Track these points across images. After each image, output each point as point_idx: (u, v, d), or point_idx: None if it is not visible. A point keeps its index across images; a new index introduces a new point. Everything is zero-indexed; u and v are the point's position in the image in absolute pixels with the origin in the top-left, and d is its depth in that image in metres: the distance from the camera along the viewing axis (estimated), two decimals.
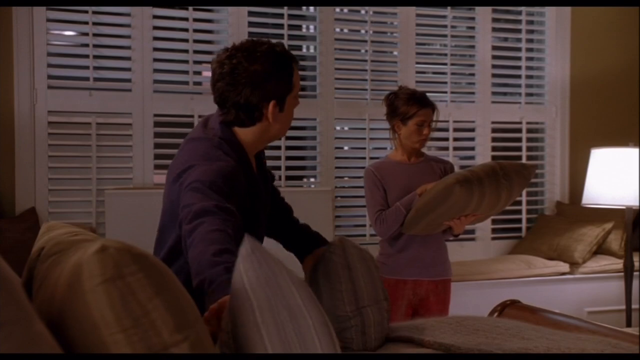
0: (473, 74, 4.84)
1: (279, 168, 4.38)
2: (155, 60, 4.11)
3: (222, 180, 2.00)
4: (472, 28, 4.86)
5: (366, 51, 4.56)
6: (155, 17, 4.11)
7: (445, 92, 4.75)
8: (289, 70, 2.15)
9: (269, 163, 4.45)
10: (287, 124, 2.25)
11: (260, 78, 2.10)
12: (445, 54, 4.76)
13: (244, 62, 2.10)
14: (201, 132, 2.20)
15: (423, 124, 3.30)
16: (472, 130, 4.82)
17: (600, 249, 4.54)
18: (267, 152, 4.42)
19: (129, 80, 4.09)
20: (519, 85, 4.97)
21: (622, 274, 4.17)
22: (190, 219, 1.91)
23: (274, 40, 2.19)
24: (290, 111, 2.22)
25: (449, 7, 4.71)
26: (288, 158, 4.40)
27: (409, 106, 3.29)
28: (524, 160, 4.90)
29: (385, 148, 4.73)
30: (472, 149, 4.82)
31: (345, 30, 4.60)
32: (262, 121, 2.16)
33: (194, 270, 1.81)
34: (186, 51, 4.18)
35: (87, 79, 4.00)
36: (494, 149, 4.84)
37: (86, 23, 3.98)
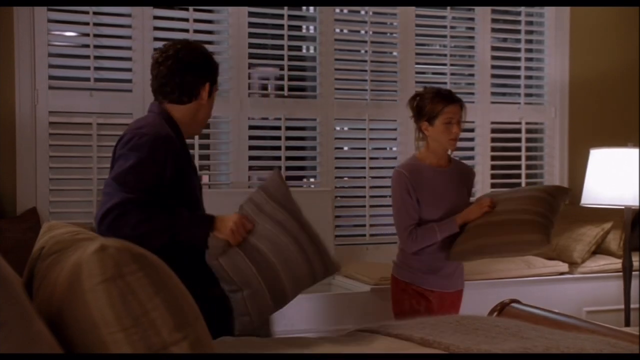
0: (472, 75, 4.84)
1: (279, 168, 4.38)
2: None
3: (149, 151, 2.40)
4: (472, 28, 4.86)
5: (366, 52, 4.56)
6: (155, 17, 4.12)
7: None
8: (216, 65, 2.64)
9: (270, 163, 4.48)
10: (209, 115, 2.65)
11: (199, 62, 2.57)
12: (445, 55, 4.77)
13: (185, 50, 2.56)
14: (155, 108, 2.61)
15: (451, 121, 3.20)
16: (472, 130, 4.82)
17: (599, 249, 4.54)
18: (267, 152, 4.45)
19: (129, 81, 4.10)
20: (518, 86, 4.98)
21: (621, 273, 4.17)
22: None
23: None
24: (213, 101, 2.63)
25: (448, 8, 4.71)
26: (288, 158, 4.41)
27: (434, 104, 3.21)
28: (523, 161, 4.91)
29: (385, 148, 4.74)
30: (472, 149, 4.83)
31: (345, 31, 4.61)
32: (197, 100, 2.56)
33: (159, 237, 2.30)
34: None
35: (87, 79, 4.01)
36: (493, 149, 4.85)
37: (87, 24, 3.99)
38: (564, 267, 4.42)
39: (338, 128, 4.59)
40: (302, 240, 2.46)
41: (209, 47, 4.29)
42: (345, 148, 4.63)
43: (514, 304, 2.80)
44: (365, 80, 4.55)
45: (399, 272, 3.33)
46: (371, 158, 4.57)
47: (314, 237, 2.50)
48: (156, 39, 4.12)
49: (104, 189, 2.40)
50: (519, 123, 4.92)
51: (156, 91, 2.59)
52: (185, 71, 2.54)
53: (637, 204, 4.04)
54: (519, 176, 4.92)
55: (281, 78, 4.41)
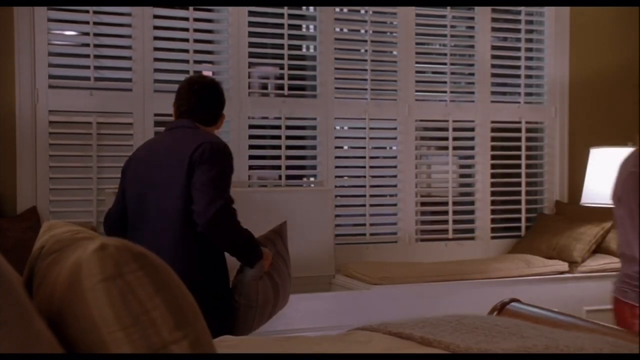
0: (472, 74, 4.84)
1: (279, 167, 4.39)
2: (156, 59, 4.12)
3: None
4: (472, 28, 4.86)
5: (366, 51, 4.56)
6: (155, 16, 4.12)
7: (445, 92, 4.75)
8: None
9: (269, 162, 4.49)
10: None
11: (224, 98, 3.22)
12: (445, 54, 4.76)
13: (218, 87, 3.21)
14: (188, 124, 3.11)
15: None
16: (472, 129, 4.82)
17: (599, 248, 4.54)
18: (268, 151, 4.46)
19: (129, 80, 4.10)
20: (518, 85, 4.97)
21: None
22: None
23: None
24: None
25: (448, 7, 4.71)
26: (288, 157, 4.41)
27: None
28: (523, 160, 4.91)
29: (385, 148, 4.73)
30: (472, 148, 4.83)
31: (345, 30, 4.61)
32: (216, 124, 3.19)
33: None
34: (186, 51, 4.19)
35: (88, 78, 4.01)
36: (493, 148, 4.85)
37: (87, 23, 3.99)
38: (564, 266, 4.42)
39: (338, 127, 4.59)
40: (288, 272, 3.24)
41: (209, 47, 4.37)
42: (345, 147, 4.63)
43: (513, 303, 2.81)
44: (365, 80, 4.55)
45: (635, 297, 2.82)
46: (371, 157, 4.57)
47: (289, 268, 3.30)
48: (156, 38, 4.12)
49: (197, 187, 2.87)
50: (519, 122, 4.92)
51: (189, 111, 3.12)
52: (217, 102, 3.17)
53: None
54: (519, 175, 4.92)
55: (281, 77, 4.41)
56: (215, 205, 2.82)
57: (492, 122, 4.86)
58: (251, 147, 4.32)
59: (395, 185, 4.66)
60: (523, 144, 4.92)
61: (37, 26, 3.88)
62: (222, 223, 2.86)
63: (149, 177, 3.01)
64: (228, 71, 4.28)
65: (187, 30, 4.19)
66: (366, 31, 4.56)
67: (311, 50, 4.55)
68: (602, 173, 4.17)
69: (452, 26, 4.81)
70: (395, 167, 4.66)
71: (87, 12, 3.97)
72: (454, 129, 4.75)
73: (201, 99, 3.13)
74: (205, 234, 2.88)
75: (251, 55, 4.32)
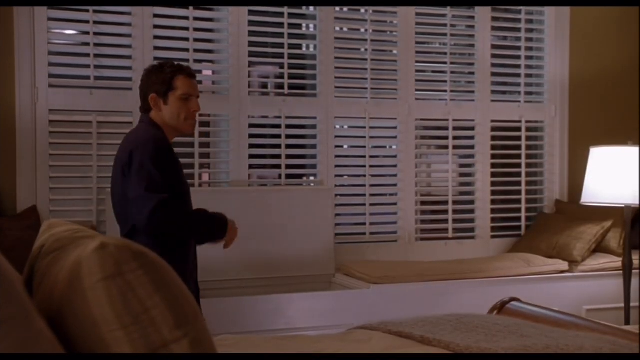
0: (473, 73, 4.84)
1: (279, 167, 4.39)
2: (156, 59, 4.11)
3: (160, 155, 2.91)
4: (472, 27, 4.86)
5: (366, 50, 4.56)
6: (155, 16, 4.12)
7: (445, 91, 4.75)
8: (168, 76, 3.01)
9: (270, 161, 4.49)
10: (175, 116, 3.02)
11: (146, 79, 3.06)
12: (445, 53, 4.76)
13: (146, 72, 3.09)
14: (142, 119, 3.09)
15: None
16: (472, 129, 4.82)
17: (599, 247, 4.54)
18: (268, 150, 4.45)
19: (129, 79, 4.10)
20: (518, 84, 4.97)
21: (620, 272, 4.18)
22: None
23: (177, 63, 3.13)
24: (175, 106, 3.01)
25: (448, 7, 4.71)
26: (288, 157, 4.41)
27: None
28: (523, 159, 4.91)
29: (385, 147, 4.73)
30: (472, 147, 4.83)
31: (345, 29, 4.61)
32: (152, 108, 3.02)
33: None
34: (186, 50, 4.19)
35: (88, 77, 4.01)
36: (493, 147, 4.85)
37: (87, 22, 3.99)
38: (564, 265, 4.42)
39: (338, 126, 4.59)
40: None
41: (209, 46, 4.36)
42: (345, 146, 4.63)
43: (513, 302, 2.81)
44: (365, 79, 4.55)
45: None
46: (371, 156, 4.57)
47: None
48: (156, 37, 4.12)
49: (128, 199, 2.89)
50: (519, 121, 4.92)
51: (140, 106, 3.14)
52: (140, 89, 3.07)
53: (637, 202, 4.04)
54: (519, 174, 4.92)
55: (281, 76, 4.41)
56: (147, 212, 2.81)
57: (492, 121, 4.86)
58: (251, 146, 4.32)
59: (395, 185, 4.66)
60: (523, 143, 4.92)
61: (37, 25, 3.89)
62: (160, 226, 2.85)
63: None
64: (228, 71, 4.28)
65: (187, 29, 4.19)
66: (366, 30, 4.56)
67: (311, 49, 4.55)
68: (602, 172, 4.17)
69: (452, 25, 4.81)
70: (395, 166, 4.66)
71: (87, 11, 3.97)
72: (454, 128, 4.75)
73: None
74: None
75: (251, 54, 4.32)
